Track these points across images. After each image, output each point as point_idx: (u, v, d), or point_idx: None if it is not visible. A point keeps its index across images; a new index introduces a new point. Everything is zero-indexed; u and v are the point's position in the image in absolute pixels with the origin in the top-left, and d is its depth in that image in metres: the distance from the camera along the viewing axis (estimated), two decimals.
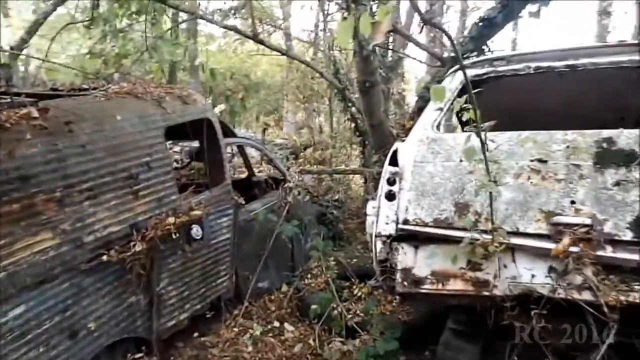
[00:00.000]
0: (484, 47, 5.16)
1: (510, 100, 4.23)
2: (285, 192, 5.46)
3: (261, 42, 6.69)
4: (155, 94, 3.78)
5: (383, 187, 3.15)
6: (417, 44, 5.61)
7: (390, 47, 7.23)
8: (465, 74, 2.35)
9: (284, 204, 5.27)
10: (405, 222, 2.99)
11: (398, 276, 2.93)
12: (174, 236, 3.41)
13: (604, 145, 2.72)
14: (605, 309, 2.29)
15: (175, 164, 7.32)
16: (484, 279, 2.72)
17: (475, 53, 5.04)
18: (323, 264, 4.33)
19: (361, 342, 3.42)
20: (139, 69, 9.06)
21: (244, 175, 6.43)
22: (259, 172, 6.97)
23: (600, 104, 4.21)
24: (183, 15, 8.43)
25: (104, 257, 2.98)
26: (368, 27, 1.85)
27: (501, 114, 4.63)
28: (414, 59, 7.36)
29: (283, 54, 7.27)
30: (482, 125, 2.39)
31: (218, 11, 10.78)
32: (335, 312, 3.76)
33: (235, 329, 3.94)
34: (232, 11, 10.57)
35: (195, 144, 5.48)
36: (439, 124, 3.32)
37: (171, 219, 3.41)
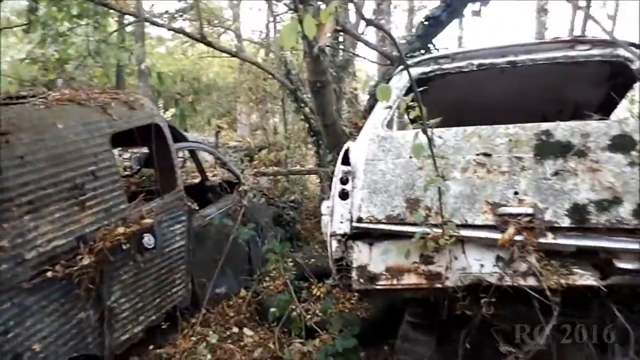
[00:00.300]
0: (430, 45, 5.29)
1: (456, 97, 4.37)
2: (240, 195, 5.41)
3: (209, 44, 6.58)
4: (100, 100, 3.65)
5: (336, 187, 3.17)
6: (366, 43, 5.70)
7: (341, 46, 7.29)
8: (408, 72, 2.41)
9: (240, 207, 5.22)
10: (359, 220, 3.02)
11: (354, 274, 2.96)
12: (124, 247, 3.31)
13: (543, 137, 2.86)
14: (548, 293, 2.41)
15: (124, 172, 7.09)
16: (436, 271, 2.79)
17: (422, 51, 5.16)
18: (281, 266, 4.32)
19: (321, 342, 3.44)
20: (83, 74, 8.70)
21: (197, 180, 6.31)
22: (213, 176, 6.86)
23: (540, 98, 4.43)
24: (129, 18, 8.16)
25: (49, 274, 2.85)
26: (312, 29, 1.85)
27: (448, 110, 4.77)
28: (364, 58, 7.45)
29: (233, 56, 7.18)
30: (428, 122, 2.44)
31: (165, 13, 10.51)
32: (295, 313, 3.76)
33: (193, 338, 3.86)
34: (180, 13, 10.33)
35: (145, 150, 5.34)
36: (389, 122, 3.38)
37: (121, 229, 3.31)
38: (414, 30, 6.61)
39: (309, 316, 3.79)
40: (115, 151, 4.63)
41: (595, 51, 3.12)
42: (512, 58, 3.36)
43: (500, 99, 4.38)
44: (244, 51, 14.86)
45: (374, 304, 4.15)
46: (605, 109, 4.14)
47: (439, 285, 2.78)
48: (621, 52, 2.94)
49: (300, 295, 4.22)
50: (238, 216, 5.07)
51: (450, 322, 3.12)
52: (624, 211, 2.55)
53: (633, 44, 2.96)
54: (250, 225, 4.85)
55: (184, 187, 4.44)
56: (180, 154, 7.00)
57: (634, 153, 2.64)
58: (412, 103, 2.46)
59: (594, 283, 2.42)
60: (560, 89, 4.17)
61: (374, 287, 2.91)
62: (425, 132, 2.40)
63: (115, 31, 8.42)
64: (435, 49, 5.33)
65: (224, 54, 7.65)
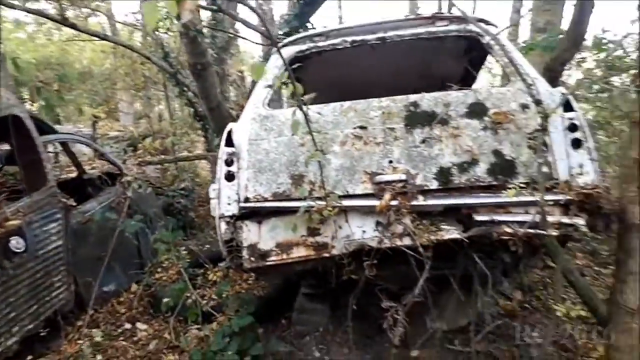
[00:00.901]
0: (307, 23, 5.37)
1: (334, 74, 4.52)
2: (123, 186, 5.11)
3: (72, 26, 5.99)
4: None
5: (221, 169, 3.14)
6: (244, 23, 5.61)
7: (220, 27, 7.08)
8: (279, 51, 2.43)
9: (124, 199, 4.94)
10: (247, 200, 3.03)
11: (245, 253, 2.98)
12: None
13: (412, 108, 3.09)
14: (421, 250, 2.64)
15: None
16: (323, 242, 2.91)
17: (300, 30, 5.22)
18: (173, 255, 4.19)
19: (218, 325, 3.42)
20: None
21: (74, 175, 5.82)
22: (92, 169, 6.37)
23: (411, 72, 4.75)
24: None
25: None
26: (173, 6, 1.79)
27: (330, 87, 4.95)
28: (245, 38, 7.33)
29: (102, 39, 6.62)
30: (302, 98, 2.50)
31: None
32: (190, 300, 3.68)
33: (80, 341, 3.61)
34: None
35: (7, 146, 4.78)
36: (270, 101, 3.41)
37: None
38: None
39: (205, 301, 3.74)
40: None
41: (452, 27, 3.41)
42: (381, 34, 3.55)
43: (377, 75, 4.62)
44: (118, 35, 13.80)
45: (271, 281, 4.22)
46: (468, 81, 4.58)
47: (327, 255, 2.91)
48: (473, 27, 3.24)
49: (196, 283, 4.15)
50: (123, 209, 4.79)
51: (340, 288, 3.29)
52: (480, 170, 2.87)
53: (482, 20, 3.28)
54: (137, 217, 4.61)
55: (57, 183, 4.08)
56: (51, 148, 6.38)
57: (486, 118, 2.96)
58: (285, 81, 2.51)
59: (458, 236, 2.71)
60: (427, 63, 4.51)
61: (265, 263, 2.96)
62: (300, 108, 2.45)
63: None
64: (313, 27, 5.43)
65: (93, 37, 7.01)
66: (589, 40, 5.98)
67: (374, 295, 2.95)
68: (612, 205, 2.71)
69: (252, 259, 2.97)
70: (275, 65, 3.55)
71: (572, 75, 6.58)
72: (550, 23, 7.98)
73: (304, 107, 2.56)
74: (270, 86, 3.43)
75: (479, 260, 2.86)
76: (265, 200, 3.02)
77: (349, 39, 3.58)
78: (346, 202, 2.89)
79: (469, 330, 3.34)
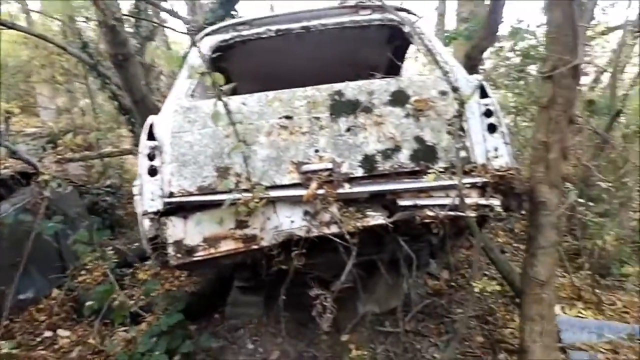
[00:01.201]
0: (233, 12, 5.24)
1: (261, 63, 4.45)
2: (39, 186, 4.76)
3: None
4: None
5: (143, 164, 3.02)
6: (169, 12, 5.39)
7: (144, 16, 6.75)
8: (193, 41, 2.37)
9: (40, 199, 4.60)
10: (171, 195, 2.93)
11: (170, 250, 2.88)
12: None
13: (336, 97, 3.10)
14: (347, 236, 2.68)
15: None
16: (252, 234, 2.88)
17: (225, 18, 5.09)
18: (99, 256, 3.98)
19: (147, 325, 3.30)
20: None
21: None
22: (4, 168, 5.89)
23: (339, 61, 4.76)
24: None
25: None
26: None
27: (256, 76, 4.87)
28: (169, 27, 7.05)
29: (9, 27, 6.07)
30: (222, 88, 2.44)
31: None
32: (117, 302, 3.52)
33: None
34: None
35: None
36: (194, 92, 3.30)
37: None
38: None
39: (133, 302, 3.59)
40: None
41: (375, 15, 3.45)
42: (305, 23, 3.53)
43: (306, 64, 4.60)
44: (32, 24, 12.77)
45: (203, 276, 4.14)
46: (395, 70, 4.67)
47: (256, 247, 2.88)
48: (400, 16, 3.29)
49: (124, 283, 3.97)
50: (40, 210, 4.47)
51: (275, 278, 3.28)
52: (403, 157, 2.95)
53: (402, 9, 3.35)
54: (56, 218, 4.32)
55: None
56: None
57: (408, 106, 3.04)
58: (204, 71, 2.43)
59: (383, 222, 2.77)
60: (354, 52, 4.54)
61: (192, 259, 2.88)
62: (220, 98, 2.39)
63: None
64: (239, 15, 5.31)
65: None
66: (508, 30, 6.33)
67: (308, 283, 2.97)
68: (523, 186, 2.89)
69: (179, 255, 2.88)
70: (197, 55, 3.43)
71: (493, 63, 6.91)
72: (473, 13, 8.35)
73: (224, 98, 2.51)
74: (202, 74, 3.32)
75: (405, 243, 2.95)
76: (191, 194, 2.93)
77: (273, 27, 3.53)
78: (274, 193, 2.87)
79: (399, 311, 3.46)
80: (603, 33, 8.61)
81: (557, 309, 3.89)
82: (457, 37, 6.19)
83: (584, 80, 7.93)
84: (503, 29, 7.02)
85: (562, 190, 3.33)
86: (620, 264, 4.77)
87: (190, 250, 2.89)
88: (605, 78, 7.83)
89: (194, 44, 2.35)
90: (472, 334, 3.49)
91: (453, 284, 4.29)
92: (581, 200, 4.72)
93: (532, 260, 2.94)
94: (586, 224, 4.93)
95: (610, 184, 4.96)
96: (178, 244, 2.90)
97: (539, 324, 2.86)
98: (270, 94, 3.13)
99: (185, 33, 6.11)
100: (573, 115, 3.03)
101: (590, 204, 4.92)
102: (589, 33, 8.04)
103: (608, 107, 5.91)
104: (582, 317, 3.81)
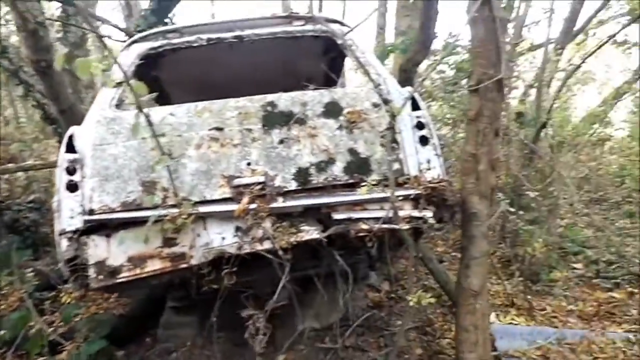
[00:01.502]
0: (166, 19, 5.07)
1: (196, 72, 4.32)
2: None
3: None
4: None
5: (62, 178, 2.81)
6: (97, 18, 5.13)
7: (72, 21, 6.39)
8: (105, 45, 2.20)
9: None
10: (92, 212, 2.74)
11: (91, 271, 2.67)
12: None
13: (269, 108, 3.03)
14: (280, 252, 2.60)
15: None
16: (180, 252, 2.73)
17: (158, 26, 4.91)
18: (16, 279, 3.66)
19: (67, 354, 3.04)
20: None
21: None
22: None
23: (278, 71, 4.71)
24: None
25: None
26: None
27: (190, 86, 4.72)
28: (98, 33, 6.68)
29: None
30: (142, 99, 2.30)
31: None
32: (33, 330, 3.22)
33: None
34: None
35: None
36: (119, 101, 3.12)
37: None
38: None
39: (52, 329, 3.30)
40: None
41: (308, 27, 3.42)
42: (238, 33, 3.44)
43: (243, 74, 4.50)
44: None
45: (133, 298, 3.89)
46: (334, 82, 4.67)
47: (185, 265, 2.73)
48: (330, 27, 3.27)
49: (44, 308, 3.65)
50: None
51: (208, 298, 3.13)
52: (338, 169, 2.91)
53: (334, 20, 3.34)
54: None
55: None
56: None
57: (341, 117, 3.01)
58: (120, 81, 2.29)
59: (317, 236, 2.71)
60: (292, 62, 4.50)
61: (115, 281, 2.68)
62: (140, 109, 2.25)
63: None
64: (173, 23, 5.14)
65: None
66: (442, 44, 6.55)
67: (243, 302, 2.85)
68: (455, 197, 2.93)
69: (101, 277, 2.68)
70: (124, 63, 3.26)
71: (426, 76, 7.11)
72: (411, 27, 8.59)
73: (146, 109, 2.37)
74: (120, 85, 3.14)
75: (342, 257, 2.91)
76: (113, 211, 2.75)
77: (205, 36, 3.42)
78: (203, 209, 2.74)
79: (340, 326, 3.40)
80: (530, 49, 9.15)
81: (492, 316, 3.99)
82: (394, 50, 6.33)
83: (515, 93, 8.37)
84: (438, 43, 7.28)
85: (493, 200, 3.42)
86: (549, 270, 4.99)
87: (114, 272, 2.70)
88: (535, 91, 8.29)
89: (104, 45, 2.19)
90: (412, 346, 3.49)
91: (393, 295, 4.31)
92: (512, 210, 4.91)
93: (466, 271, 2.98)
94: (517, 232, 5.13)
95: (537, 193, 5.19)
96: (100, 264, 2.70)
97: (473, 334, 2.89)
98: (200, 104, 3.02)
99: (117, 40, 5.83)
100: (499, 127, 3.13)
101: (521, 212, 5.13)
102: (519, 49, 8.52)
103: (535, 119, 6.23)
104: (515, 324, 3.94)
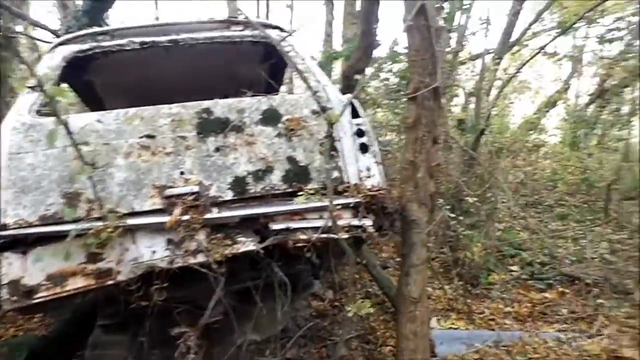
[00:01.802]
0: (99, 21, 4.81)
1: (131, 77, 4.11)
2: None
3: None
4: None
5: None
6: (25, 18, 4.79)
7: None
8: (9, 46, 2.01)
9: None
10: (5, 227, 2.51)
11: (4, 292, 2.44)
12: None
13: (204, 115, 2.91)
14: (214, 266, 2.48)
15: None
16: (106, 267, 2.55)
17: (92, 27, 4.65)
18: None
19: None
20: None
21: None
22: None
23: (218, 77, 4.57)
24: None
25: None
26: None
27: (125, 91, 4.49)
28: (28, 36, 6.28)
29: None
30: (58, 104, 2.13)
31: None
32: None
33: None
34: None
35: None
36: (40, 107, 2.89)
37: None
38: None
39: None
40: None
41: (247, 32, 3.32)
42: (173, 37, 3.30)
43: (181, 79, 4.34)
44: None
45: (58, 316, 3.62)
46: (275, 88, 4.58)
47: (111, 282, 2.55)
48: (270, 33, 3.19)
49: None
50: None
51: (140, 314, 2.95)
52: (276, 178, 2.84)
53: (272, 26, 3.26)
54: None
55: None
56: None
57: (280, 125, 2.94)
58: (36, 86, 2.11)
59: (254, 248, 2.62)
60: (231, 68, 4.38)
61: (31, 302, 2.47)
62: (56, 115, 2.08)
63: None
64: (106, 24, 4.89)
65: None
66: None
67: (176, 318, 2.70)
68: (394, 205, 2.92)
69: (14, 298, 2.45)
70: (48, 67, 3.04)
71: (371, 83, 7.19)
72: (357, 35, 8.67)
73: (64, 115, 2.20)
74: (41, 89, 2.91)
75: (283, 266, 2.83)
76: (31, 225, 2.53)
77: (138, 39, 3.24)
78: (132, 221, 2.57)
79: (281, 337, 3.31)
80: (471, 59, 9.50)
81: (433, 321, 4.04)
82: (338, 57, 6.35)
83: (457, 100, 8.65)
84: (383, 50, 7.39)
85: (433, 207, 3.46)
86: (487, 273, 5.14)
87: (30, 291, 2.47)
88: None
89: (11, 49, 2.00)
90: (354, 355, 3.46)
91: (337, 303, 4.27)
92: (452, 215, 5.02)
93: (406, 278, 2.98)
94: (458, 237, 5.25)
95: (477, 198, 5.35)
96: (14, 284, 2.47)
97: (412, 342, 2.90)
98: (131, 110, 2.85)
99: (44, 42, 5.48)
100: (438, 135, 3.17)
101: (461, 217, 5.26)
102: (460, 58, 8.82)
103: (474, 126, 6.43)
104: (454, 328, 4.00)
